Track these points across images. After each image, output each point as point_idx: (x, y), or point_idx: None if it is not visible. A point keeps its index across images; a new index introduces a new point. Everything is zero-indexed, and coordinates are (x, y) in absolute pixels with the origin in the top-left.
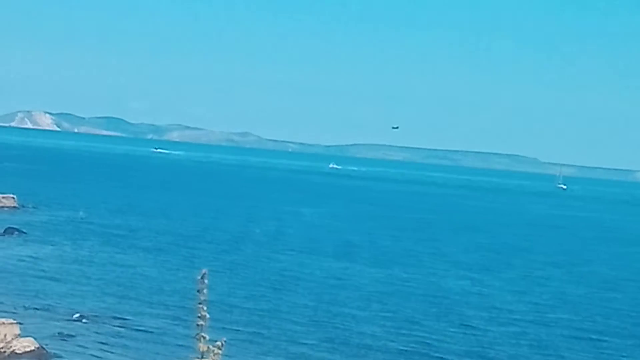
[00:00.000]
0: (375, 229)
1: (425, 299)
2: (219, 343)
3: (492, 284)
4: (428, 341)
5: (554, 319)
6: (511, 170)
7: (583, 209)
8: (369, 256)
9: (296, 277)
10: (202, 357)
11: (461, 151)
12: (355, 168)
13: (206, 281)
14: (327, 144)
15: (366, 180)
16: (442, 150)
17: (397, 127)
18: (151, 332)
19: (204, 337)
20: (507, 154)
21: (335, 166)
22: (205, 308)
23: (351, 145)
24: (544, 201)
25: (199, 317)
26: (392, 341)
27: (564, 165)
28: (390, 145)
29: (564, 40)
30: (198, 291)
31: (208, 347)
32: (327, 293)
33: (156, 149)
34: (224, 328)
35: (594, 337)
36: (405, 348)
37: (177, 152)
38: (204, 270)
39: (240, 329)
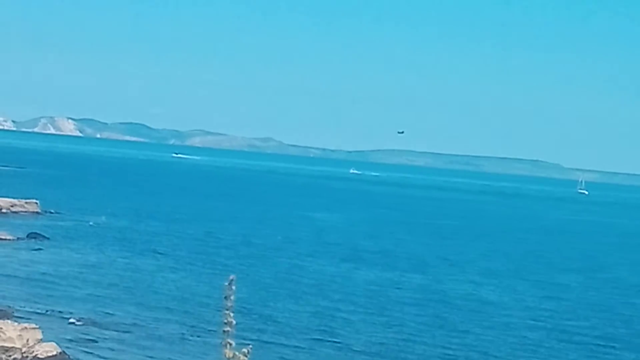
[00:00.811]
0: (396, 234)
1: (445, 305)
2: (245, 350)
3: (513, 290)
4: (447, 345)
5: (574, 326)
6: (533, 176)
7: (603, 214)
8: (390, 262)
9: (316, 283)
10: None
11: (483, 157)
12: (375, 173)
13: (234, 287)
14: (350, 150)
15: (386, 186)
16: (464, 155)
17: (402, 132)
18: (173, 338)
19: (230, 344)
20: (529, 160)
21: (355, 171)
22: (232, 314)
23: (373, 150)
24: (564, 207)
25: (225, 323)
26: (412, 346)
27: (586, 170)
28: (412, 151)
29: (587, 45)
30: (225, 297)
31: (234, 354)
32: (345, 299)
33: (176, 154)
34: (244, 334)
35: (615, 344)
36: (425, 353)
37: (196, 157)
38: (231, 277)
39: (260, 335)
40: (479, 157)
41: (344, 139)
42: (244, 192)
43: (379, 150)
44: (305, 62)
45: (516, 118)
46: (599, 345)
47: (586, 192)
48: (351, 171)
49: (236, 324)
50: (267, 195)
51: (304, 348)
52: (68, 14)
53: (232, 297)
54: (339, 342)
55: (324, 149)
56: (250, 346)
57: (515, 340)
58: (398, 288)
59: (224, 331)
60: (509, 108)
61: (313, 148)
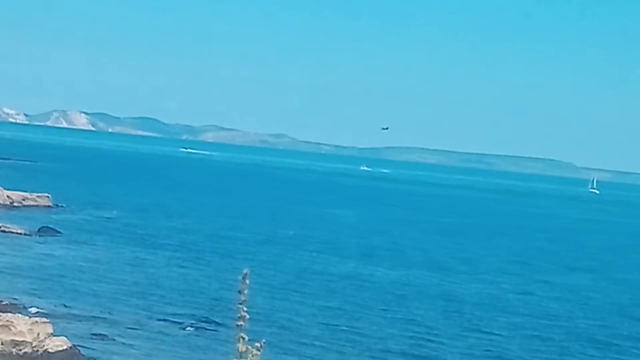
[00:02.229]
0: (405, 232)
1: (456, 303)
2: (258, 344)
3: (524, 288)
4: (458, 343)
5: (585, 325)
6: (546, 175)
7: (614, 213)
8: (400, 260)
9: (326, 279)
10: (241, 358)
11: (496, 155)
12: (386, 170)
13: (247, 281)
14: (362, 147)
15: (396, 183)
16: (476, 153)
17: (386, 128)
18: (184, 332)
19: (243, 338)
20: (542, 159)
21: (366, 168)
22: (245, 309)
23: (386, 147)
24: (575, 205)
25: (238, 317)
26: (422, 344)
27: (598, 170)
28: (424, 148)
29: (603, 45)
30: (239, 292)
31: (247, 348)
32: (355, 295)
33: (185, 148)
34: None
35: (627, 344)
36: (435, 350)
37: (205, 152)
38: (245, 271)
39: (270, 330)
40: (491, 155)
41: (357, 136)
42: (254, 188)
43: (391, 147)
44: (319, 59)
45: (530, 117)
46: (611, 344)
47: (597, 192)
48: (362, 168)
49: (253, 319)
50: (275, 191)
51: (314, 345)
52: (82, 8)
53: (245, 291)
54: (349, 339)
55: (336, 146)
56: (264, 340)
57: (525, 338)
58: (408, 285)
59: (237, 325)
60: (523, 107)
61: (325, 144)
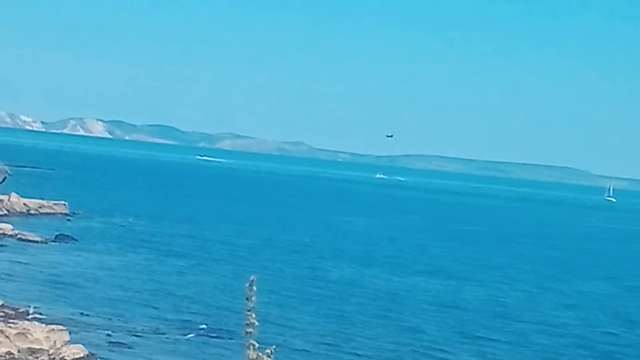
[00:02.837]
0: (418, 239)
1: (468, 312)
2: (268, 351)
3: (538, 298)
4: (467, 353)
5: (600, 335)
6: (562, 183)
7: (630, 222)
8: (411, 267)
9: (337, 287)
10: None
11: (513, 163)
12: (401, 178)
13: (254, 288)
14: (379, 155)
15: (410, 190)
16: (493, 162)
17: (391, 136)
18: (198, 340)
19: (253, 345)
20: (558, 167)
21: (381, 176)
22: (254, 315)
23: (403, 155)
24: (590, 214)
25: (247, 324)
26: (431, 353)
27: (615, 178)
28: (441, 157)
29: (617, 53)
30: (246, 298)
31: (257, 355)
32: (366, 304)
33: (200, 156)
34: (263, 337)
35: None
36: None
37: (221, 160)
38: (252, 277)
39: (278, 338)
40: (508, 163)
41: (374, 144)
42: (269, 196)
43: (408, 155)
44: (337, 67)
45: (546, 125)
46: (624, 354)
47: (614, 200)
48: (377, 176)
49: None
50: (289, 199)
51: (321, 354)
52: (98, 16)
53: (253, 298)
54: (356, 348)
55: (353, 154)
56: (274, 347)
57: (538, 349)
58: (420, 294)
59: (246, 332)
60: (539, 115)
61: (342, 152)
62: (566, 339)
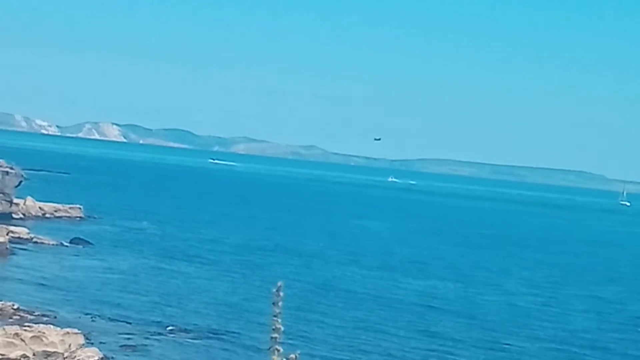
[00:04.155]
0: (431, 243)
1: (483, 317)
2: (292, 356)
3: (553, 302)
4: (490, 357)
5: (616, 340)
6: (577, 187)
7: None
8: (427, 272)
9: (352, 292)
10: None
11: (527, 167)
12: (413, 182)
13: (281, 294)
14: (393, 158)
15: (421, 194)
16: (508, 166)
17: (379, 139)
18: (216, 344)
19: (278, 350)
20: (573, 171)
21: (394, 180)
22: (279, 320)
23: (417, 159)
24: (604, 218)
25: (273, 329)
26: (447, 358)
27: (631, 182)
28: (456, 160)
29: (631, 56)
30: (273, 303)
31: None
32: (380, 307)
33: (212, 160)
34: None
35: None
36: None
37: (233, 163)
38: (279, 283)
39: (295, 343)
40: (523, 167)
41: (387, 148)
42: (281, 200)
43: (422, 159)
44: (350, 71)
45: (561, 129)
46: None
47: (628, 204)
48: (389, 179)
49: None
50: (301, 203)
51: (338, 358)
52: (114, 19)
53: (280, 304)
54: (373, 353)
55: (367, 158)
56: (298, 352)
57: (553, 354)
58: (433, 298)
59: (272, 337)
60: (554, 119)
61: (356, 156)
62: (582, 343)
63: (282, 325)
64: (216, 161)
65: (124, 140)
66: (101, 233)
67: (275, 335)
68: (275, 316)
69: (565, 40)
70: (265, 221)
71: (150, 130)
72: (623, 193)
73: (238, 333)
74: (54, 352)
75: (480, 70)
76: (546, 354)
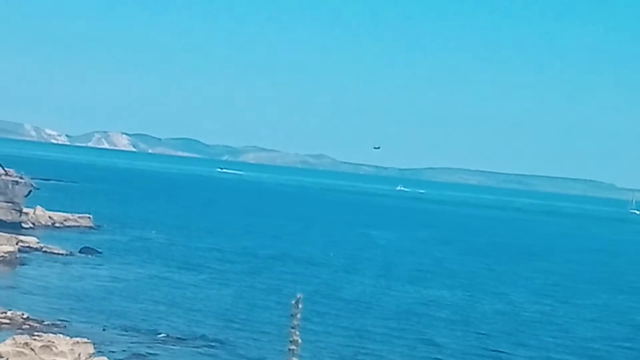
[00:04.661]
0: (437, 252)
1: (489, 326)
2: None
3: (560, 311)
4: None
5: (622, 348)
6: (586, 196)
7: None
8: (433, 280)
9: (357, 300)
10: None
11: (537, 176)
12: (421, 191)
13: (300, 306)
14: (402, 167)
15: (429, 203)
16: (517, 174)
17: (378, 147)
18: (225, 353)
19: None
20: (583, 179)
21: (402, 188)
22: (297, 332)
23: (426, 168)
24: (613, 226)
25: (290, 341)
26: None
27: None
28: (465, 169)
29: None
30: (291, 315)
31: None
32: (387, 317)
33: (221, 169)
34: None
35: None
36: None
37: (241, 172)
38: (298, 295)
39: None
40: (532, 176)
41: (397, 157)
42: (290, 209)
43: (431, 168)
44: (359, 80)
45: (571, 138)
46: None
47: (638, 212)
48: (398, 188)
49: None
50: (309, 212)
51: None
52: (123, 30)
53: (298, 316)
54: None
55: (376, 167)
56: None
57: None
58: (443, 307)
59: (289, 349)
60: (565, 128)
61: (365, 165)
62: (590, 353)
63: (286, 333)
64: (225, 170)
65: (133, 149)
66: (110, 242)
67: (293, 347)
68: (293, 328)
69: (575, 49)
70: (273, 230)
71: (160, 139)
72: (633, 202)
73: (245, 343)
74: None
75: (490, 80)
76: None
